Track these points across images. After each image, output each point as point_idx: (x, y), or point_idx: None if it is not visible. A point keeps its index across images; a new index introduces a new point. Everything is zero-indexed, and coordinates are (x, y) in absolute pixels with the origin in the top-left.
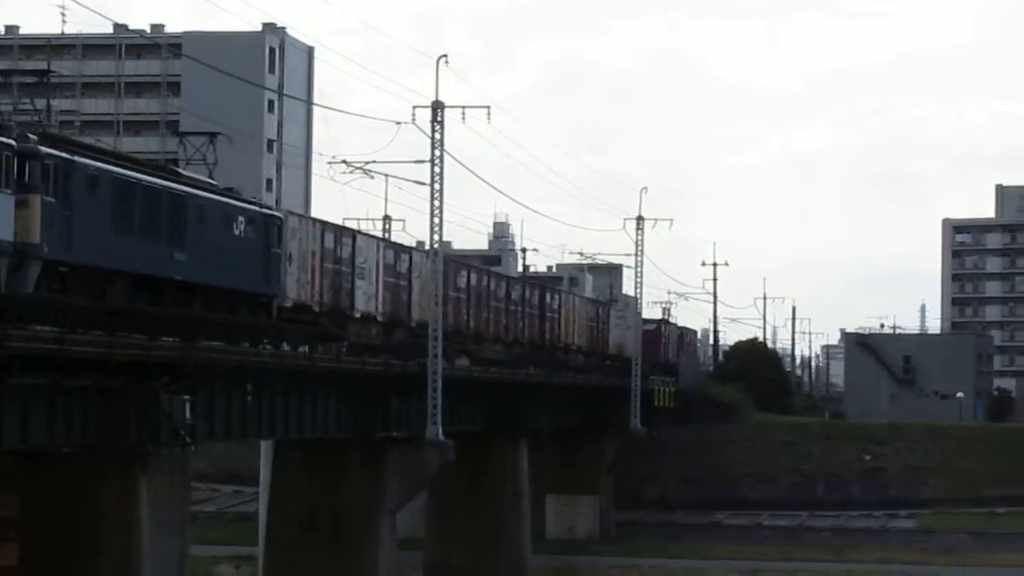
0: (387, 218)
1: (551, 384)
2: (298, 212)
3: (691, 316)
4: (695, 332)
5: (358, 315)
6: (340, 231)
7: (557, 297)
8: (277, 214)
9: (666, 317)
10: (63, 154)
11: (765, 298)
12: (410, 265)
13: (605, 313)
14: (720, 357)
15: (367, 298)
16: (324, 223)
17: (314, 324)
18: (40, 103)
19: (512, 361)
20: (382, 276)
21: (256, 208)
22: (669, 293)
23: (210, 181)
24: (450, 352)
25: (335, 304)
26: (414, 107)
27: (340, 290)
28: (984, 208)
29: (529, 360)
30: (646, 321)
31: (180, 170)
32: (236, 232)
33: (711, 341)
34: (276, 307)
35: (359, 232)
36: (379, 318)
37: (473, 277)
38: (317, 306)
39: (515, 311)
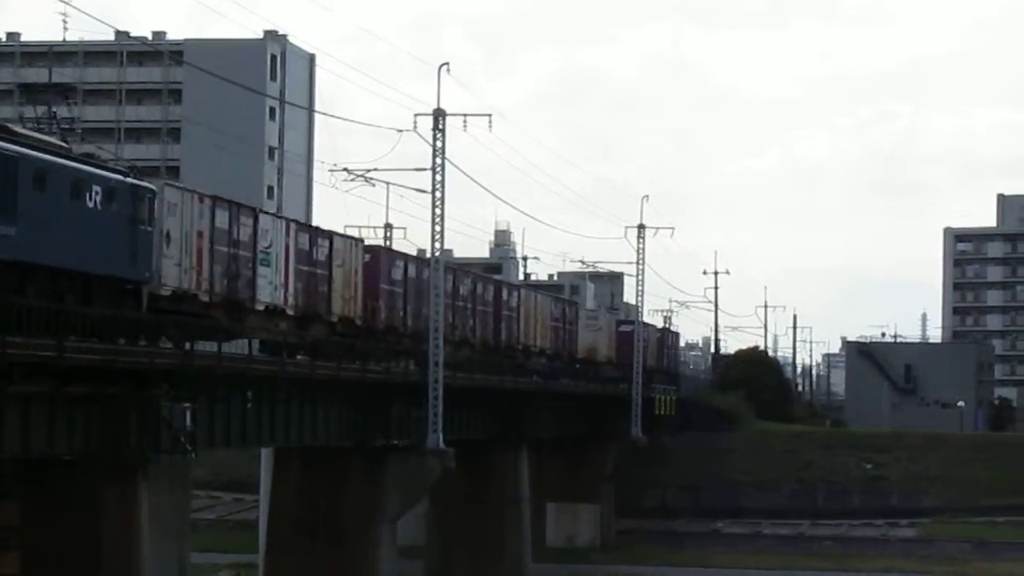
0: (388, 226)
1: (551, 392)
2: (180, 184)
3: (692, 324)
4: (677, 335)
5: (261, 307)
6: (237, 208)
7: (516, 294)
8: (147, 185)
9: (667, 326)
10: None
11: (766, 306)
12: (330, 252)
13: (573, 313)
14: (710, 363)
15: (273, 288)
16: (216, 198)
17: (203, 316)
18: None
19: (461, 364)
20: (294, 263)
21: (118, 177)
22: (670, 301)
23: (59, 143)
24: (379, 353)
25: (231, 294)
26: (415, 115)
27: (238, 278)
28: (986, 217)
29: (481, 364)
30: (621, 322)
31: (17, 128)
32: (90, 204)
33: (712, 349)
34: (147, 295)
35: (262, 211)
36: (289, 312)
37: (411, 268)
38: (206, 295)
39: (464, 308)
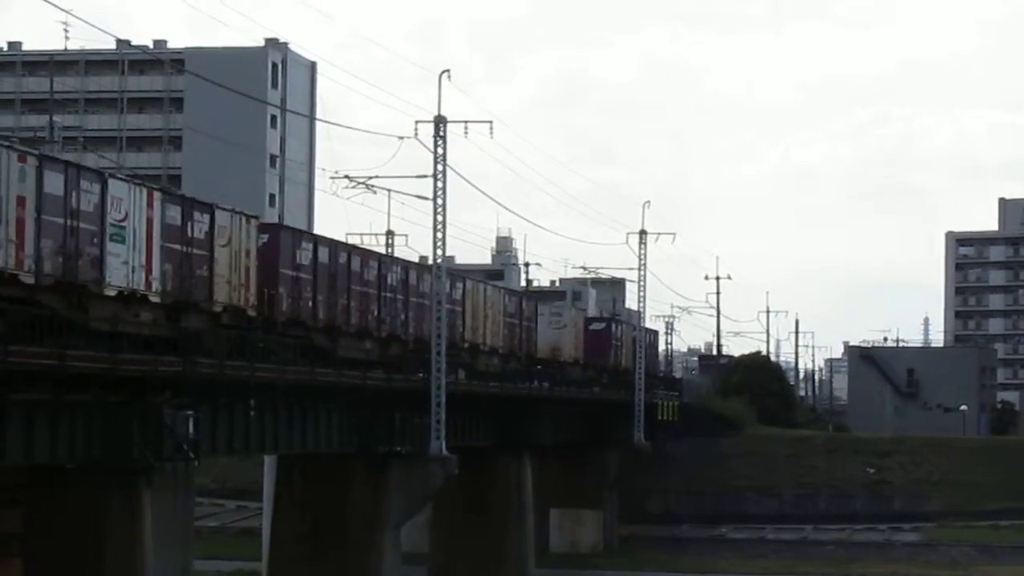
0: (390, 233)
1: (554, 398)
2: None
3: (695, 330)
4: (656, 333)
5: (112, 292)
6: (76, 172)
7: (460, 285)
8: None
9: (672, 326)
10: None
11: (768, 311)
12: (211, 229)
13: (532, 308)
14: (697, 370)
15: (130, 269)
16: (45, 158)
17: (25, 303)
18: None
19: (387, 363)
20: (160, 241)
21: None
22: (672, 307)
23: None
24: (278, 351)
25: (68, 275)
26: (416, 122)
27: (79, 256)
28: (987, 221)
29: (414, 363)
30: (593, 320)
31: None
32: None
33: (714, 354)
34: None
35: (114, 176)
36: (154, 298)
37: (323, 252)
38: (31, 276)
39: (392, 299)
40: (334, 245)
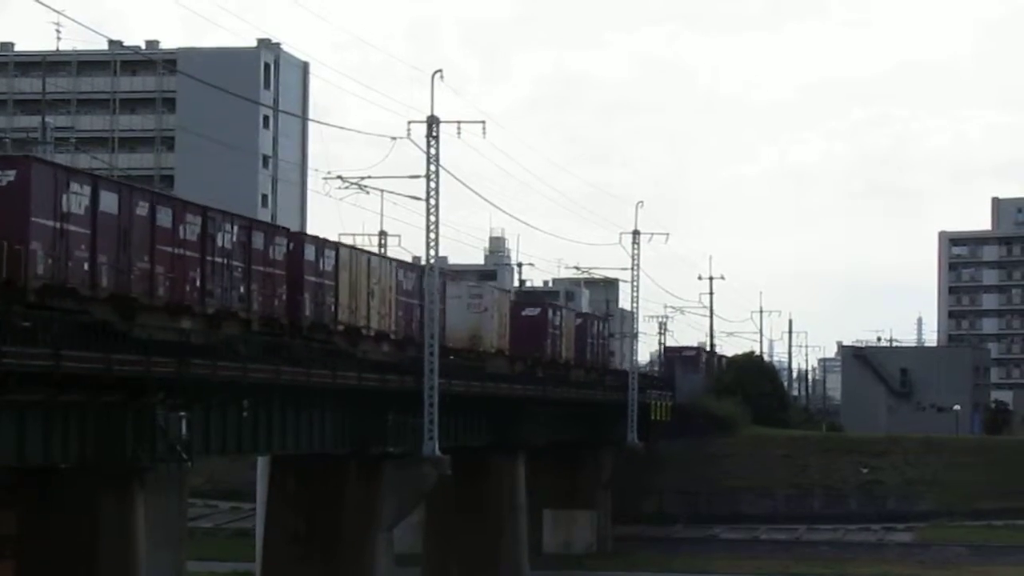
0: (383, 233)
1: (548, 398)
2: None
3: (688, 330)
4: (605, 321)
5: None
6: None
7: (333, 254)
8: None
9: (665, 326)
10: None
11: (762, 311)
12: None
13: (439, 287)
14: (658, 365)
15: None
16: None
17: None
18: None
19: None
20: None
21: None
22: (666, 307)
23: None
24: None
25: None
26: (409, 122)
27: None
28: (981, 220)
29: (269, 348)
30: (524, 304)
31: None
32: None
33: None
34: None
35: None
36: None
37: (108, 198)
38: None
39: (225, 266)
40: (128, 191)
